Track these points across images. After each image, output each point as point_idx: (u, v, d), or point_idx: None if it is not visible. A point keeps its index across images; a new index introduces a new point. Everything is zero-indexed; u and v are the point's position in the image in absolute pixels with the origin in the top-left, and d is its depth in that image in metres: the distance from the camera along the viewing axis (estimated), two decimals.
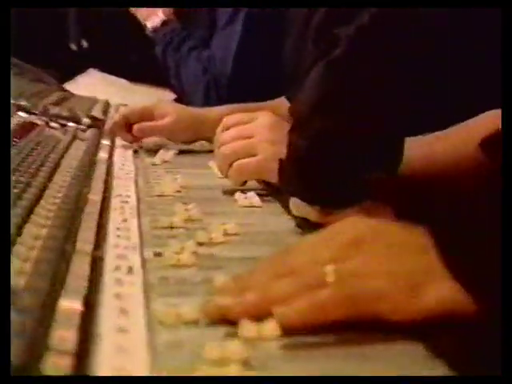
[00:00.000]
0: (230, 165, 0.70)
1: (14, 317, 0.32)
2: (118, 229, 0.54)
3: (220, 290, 0.40)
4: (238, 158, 0.69)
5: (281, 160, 0.58)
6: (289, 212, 0.61)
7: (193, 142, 0.94)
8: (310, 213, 0.56)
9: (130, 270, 0.45)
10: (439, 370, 0.33)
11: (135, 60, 1.63)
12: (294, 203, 0.58)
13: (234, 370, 0.32)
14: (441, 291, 0.36)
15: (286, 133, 0.60)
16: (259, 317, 0.36)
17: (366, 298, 0.36)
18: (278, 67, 0.97)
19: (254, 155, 0.69)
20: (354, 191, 0.55)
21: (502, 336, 0.29)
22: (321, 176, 0.55)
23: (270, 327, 0.37)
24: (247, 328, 0.36)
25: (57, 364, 0.30)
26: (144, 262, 0.47)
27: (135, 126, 0.92)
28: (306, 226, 0.58)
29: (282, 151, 0.59)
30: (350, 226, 0.41)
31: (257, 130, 0.70)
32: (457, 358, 0.33)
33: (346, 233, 0.40)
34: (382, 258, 0.37)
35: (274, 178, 0.64)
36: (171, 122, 0.91)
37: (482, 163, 0.51)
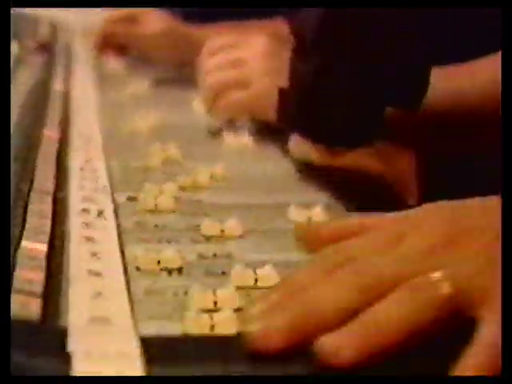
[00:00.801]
0: (217, 98, 0.73)
1: None
2: (81, 169, 0.58)
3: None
4: (227, 91, 0.73)
5: (281, 89, 0.62)
6: (287, 154, 0.65)
7: (179, 67, 0.96)
8: (313, 153, 0.60)
9: (101, 213, 0.49)
10: None
11: None
12: (295, 142, 0.62)
13: (224, 318, 0.36)
14: None
15: (284, 60, 0.64)
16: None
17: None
18: None
19: (245, 87, 0.72)
20: (368, 128, 0.59)
21: (502, 336, 0.32)
22: (328, 108, 0.58)
23: (266, 274, 0.41)
24: (242, 276, 0.41)
25: (26, 305, 0.34)
26: (116, 206, 0.51)
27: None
28: (307, 170, 0.62)
29: (281, 82, 0.62)
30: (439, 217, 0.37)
31: (249, 57, 0.74)
32: None
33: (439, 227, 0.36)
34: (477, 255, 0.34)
35: (269, 115, 0.68)
36: (156, 32, 0.93)
37: None
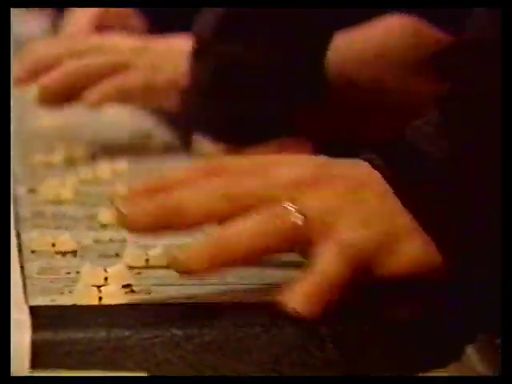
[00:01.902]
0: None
1: None
2: None
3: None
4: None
5: (182, 90, 0.63)
6: (190, 152, 0.67)
7: None
8: (215, 152, 0.62)
9: None
10: None
11: None
12: (198, 141, 0.64)
13: (114, 291, 0.37)
14: (415, 248, 0.37)
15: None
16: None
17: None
18: None
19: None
20: (266, 126, 0.60)
21: (502, 336, 0.34)
22: (226, 107, 0.60)
23: (158, 256, 0.42)
24: (133, 255, 0.42)
25: None
26: (16, 197, 0.52)
27: None
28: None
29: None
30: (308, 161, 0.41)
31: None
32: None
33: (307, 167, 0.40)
34: (346, 203, 0.38)
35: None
36: None
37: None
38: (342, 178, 0.39)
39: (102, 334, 0.33)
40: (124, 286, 0.38)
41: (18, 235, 0.45)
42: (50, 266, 0.41)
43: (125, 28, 0.87)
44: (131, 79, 0.65)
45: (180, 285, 0.40)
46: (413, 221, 0.38)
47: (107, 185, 0.58)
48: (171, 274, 0.41)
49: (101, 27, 0.92)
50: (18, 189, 0.54)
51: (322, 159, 0.41)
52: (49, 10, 1.33)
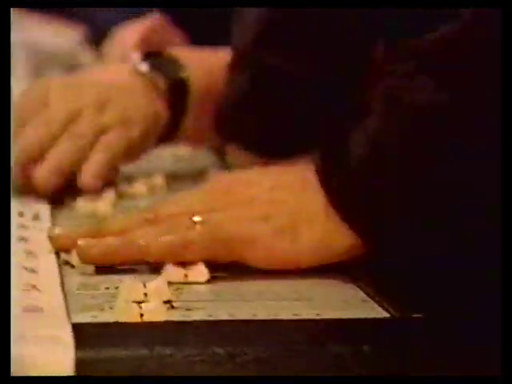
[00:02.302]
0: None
1: None
2: None
3: (85, 231, 0.44)
4: None
5: (217, 102, 0.62)
6: (225, 165, 0.67)
7: None
8: (247, 161, 0.61)
9: (36, 216, 0.50)
10: (375, 311, 0.39)
11: None
12: (231, 152, 0.62)
13: (153, 307, 0.37)
14: (313, 230, 0.42)
15: None
16: (120, 260, 0.43)
17: (236, 242, 0.43)
18: None
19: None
20: (302, 139, 0.59)
21: (502, 336, 0.35)
22: (262, 119, 0.59)
23: (197, 272, 0.42)
24: (172, 272, 0.42)
25: None
26: (53, 209, 0.52)
27: None
28: None
29: None
30: (216, 179, 0.49)
31: None
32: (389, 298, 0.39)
33: (211, 187, 0.47)
34: (252, 204, 0.44)
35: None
36: None
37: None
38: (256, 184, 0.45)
39: (144, 351, 0.33)
40: (164, 303, 0.38)
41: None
42: (90, 282, 0.41)
43: (168, 46, 0.88)
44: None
45: (220, 301, 0.40)
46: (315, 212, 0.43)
47: (143, 199, 0.58)
48: (210, 289, 0.41)
49: (145, 46, 0.93)
50: (55, 202, 0.54)
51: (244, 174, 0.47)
52: (83, 24, 1.34)
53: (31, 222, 0.48)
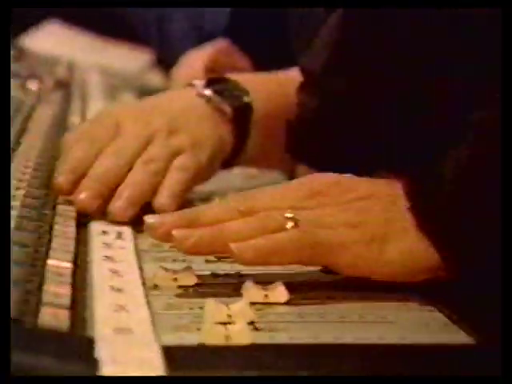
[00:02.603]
0: None
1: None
2: None
3: (180, 219, 0.45)
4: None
5: (288, 122, 0.63)
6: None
7: None
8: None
9: (120, 235, 0.50)
10: (458, 336, 0.39)
11: (105, 11, 1.67)
12: (301, 171, 0.63)
13: (239, 329, 0.37)
14: (402, 243, 0.43)
15: None
16: (212, 252, 0.45)
17: (325, 247, 0.43)
18: (282, 22, 1.00)
19: None
20: (368, 160, 0.59)
21: (502, 336, 0.35)
22: (338, 142, 0.58)
23: (277, 293, 0.42)
24: (253, 292, 0.42)
25: (55, 315, 0.35)
26: (134, 228, 0.53)
27: None
28: None
29: None
30: (312, 178, 0.48)
31: None
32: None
33: (306, 184, 0.47)
34: (344, 209, 0.45)
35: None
36: None
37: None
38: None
39: (233, 373, 0.33)
40: (249, 324, 0.38)
41: (141, 269, 0.45)
42: (174, 302, 0.42)
43: (234, 69, 0.88)
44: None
45: (302, 322, 0.40)
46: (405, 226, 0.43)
47: None
48: (291, 310, 0.41)
49: (212, 69, 0.94)
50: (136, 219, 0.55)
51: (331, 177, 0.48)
52: (152, 48, 1.37)
53: (114, 240, 0.49)
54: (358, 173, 0.59)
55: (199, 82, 0.62)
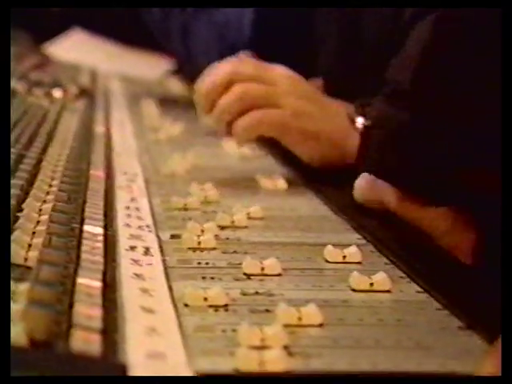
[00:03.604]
0: (240, 114, 0.65)
1: (38, 288, 0.35)
2: (127, 208, 0.57)
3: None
4: (255, 105, 0.65)
5: (365, 132, 0.59)
6: (318, 196, 0.65)
7: None
8: (388, 197, 0.56)
9: (147, 250, 0.48)
10: None
11: (127, 20, 1.66)
12: (365, 181, 0.59)
13: (274, 355, 0.35)
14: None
15: (311, 89, 0.64)
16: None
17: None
18: (306, 34, 0.99)
19: (274, 106, 0.66)
20: (457, 187, 0.52)
21: (502, 336, 0.33)
22: (423, 159, 0.54)
23: (311, 315, 0.40)
24: (287, 314, 0.40)
25: (86, 339, 0.33)
26: (161, 243, 0.51)
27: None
28: (341, 211, 0.61)
29: (309, 110, 0.63)
30: None
31: (276, 79, 0.68)
32: None
33: None
34: None
35: (293, 142, 0.67)
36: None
37: None
38: None
39: None
40: (283, 348, 0.36)
41: (170, 288, 0.43)
42: (205, 323, 0.39)
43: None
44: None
45: (337, 348, 0.37)
46: None
47: (244, 231, 0.56)
48: (325, 334, 0.39)
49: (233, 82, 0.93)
50: (161, 234, 0.53)
51: None
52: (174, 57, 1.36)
53: (142, 256, 0.47)
54: (439, 196, 0.55)
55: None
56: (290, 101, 0.66)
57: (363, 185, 0.59)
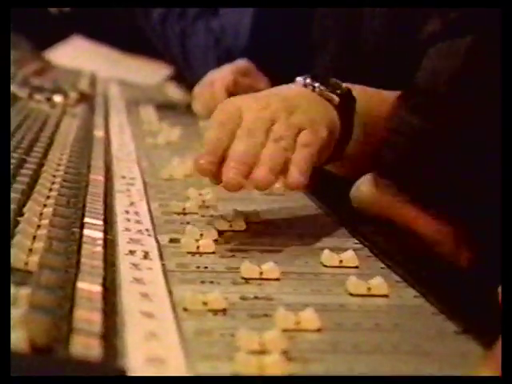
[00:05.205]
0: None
1: (39, 293, 0.34)
2: (126, 212, 0.57)
3: None
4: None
5: (383, 137, 0.59)
6: (315, 201, 0.64)
7: None
8: (387, 204, 0.56)
9: (146, 255, 0.47)
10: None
11: (126, 27, 1.65)
12: (369, 182, 0.58)
13: (273, 360, 0.34)
14: None
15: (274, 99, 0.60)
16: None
17: None
18: (303, 41, 0.98)
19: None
20: (457, 203, 0.53)
21: (502, 336, 0.33)
22: (439, 168, 0.54)
23: (309, 320, 0.39)
24: (285, 319, 0.39)
25: (87, 344, 0.32)
26: (160, 247, 0.50)
27: None
28: (335, 215, 0.60)
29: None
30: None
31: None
32: None
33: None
34: None
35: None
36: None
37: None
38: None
39: None
40: (282, 353, 0.36)
41: (170, 292, 0.42)
42: (204, 327, 0.39)
43: (253, 89, 0.86)
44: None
45: (336, 352, 0.37)
46: None
47: (242, 235, 0.55)
48: (324, 338, 0.39)
49: (233, 93, 0.92)
50: (160, 238, 0.52)
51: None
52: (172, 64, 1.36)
53: (142, 260, 0.46)
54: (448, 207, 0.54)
55: (301, 78, 0.63)
56: (298, 118, 0.61)
57: (363, 184, 0.59)
